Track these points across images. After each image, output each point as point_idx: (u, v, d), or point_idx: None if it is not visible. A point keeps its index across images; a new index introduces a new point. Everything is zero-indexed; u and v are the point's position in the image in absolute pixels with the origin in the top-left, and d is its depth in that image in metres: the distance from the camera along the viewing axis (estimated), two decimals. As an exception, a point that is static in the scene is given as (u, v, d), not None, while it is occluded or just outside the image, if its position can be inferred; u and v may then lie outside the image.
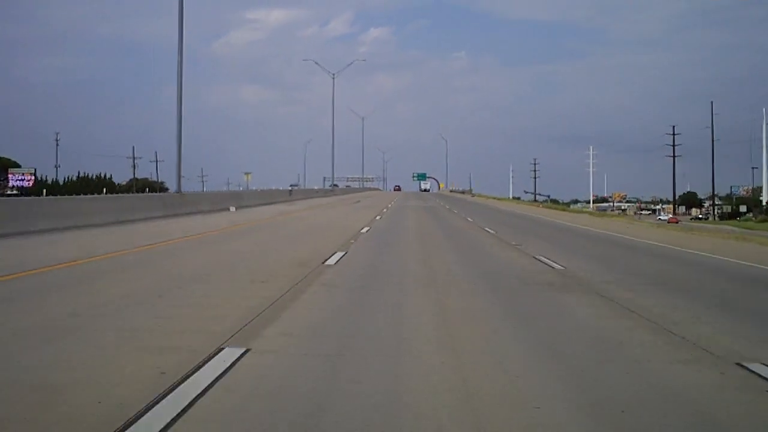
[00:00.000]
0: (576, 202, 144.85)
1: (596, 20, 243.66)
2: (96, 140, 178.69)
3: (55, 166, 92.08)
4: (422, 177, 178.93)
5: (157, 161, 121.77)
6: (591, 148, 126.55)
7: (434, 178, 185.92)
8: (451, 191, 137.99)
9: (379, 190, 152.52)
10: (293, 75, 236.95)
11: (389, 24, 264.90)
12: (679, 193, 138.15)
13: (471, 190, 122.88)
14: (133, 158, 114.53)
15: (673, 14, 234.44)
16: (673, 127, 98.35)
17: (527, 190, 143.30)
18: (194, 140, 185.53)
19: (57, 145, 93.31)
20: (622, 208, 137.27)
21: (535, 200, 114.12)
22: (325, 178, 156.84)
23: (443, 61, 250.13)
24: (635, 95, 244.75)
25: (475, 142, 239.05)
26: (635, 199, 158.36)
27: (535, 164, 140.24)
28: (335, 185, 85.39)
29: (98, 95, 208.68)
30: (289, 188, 53.08)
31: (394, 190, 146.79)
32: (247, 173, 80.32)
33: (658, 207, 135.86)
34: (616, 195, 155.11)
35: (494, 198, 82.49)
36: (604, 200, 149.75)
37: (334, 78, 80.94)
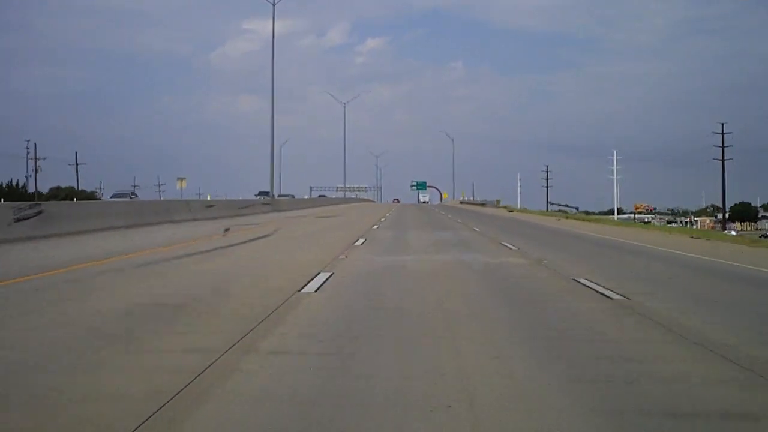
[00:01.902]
0: (587, 213, 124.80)
1: (593, 30, 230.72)
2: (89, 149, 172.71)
3: (26, 176, 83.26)
4: (422, 186, 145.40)
5: (77, 164, 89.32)
6: (615, 152, 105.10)
7: (435, 187, 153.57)
8: (461, 202, 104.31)
9: (372, 201, 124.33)
10: (290, 85, 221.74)
11: (386, 34, 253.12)
12: (695, 205, 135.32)
13: (498, 201, 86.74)
14: (35, 159, 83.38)
15: (670, 23, 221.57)
16: (723, 125, 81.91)
17: (553, 201, 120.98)
18: (185, 150, 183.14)
19: (27, 152, 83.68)
20: (646, 220, 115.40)
21: (547, 210, 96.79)
22: (311, 187, 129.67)
23: (440, 71, 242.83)
24: (634, 104, 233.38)
25: (474, 151, 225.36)
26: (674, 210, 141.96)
27: (547, 171, 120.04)
28: (265, 194, 49.79)
29: (89, 105, 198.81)
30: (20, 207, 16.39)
31: (393, 202, 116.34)
32: (180, 178, 54.22)
33: (687, 219, 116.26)
34: (637, 206, 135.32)
35: (575, 216, 46.03)
36: (620, 212, 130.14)
37: (273, 4, 46.77)
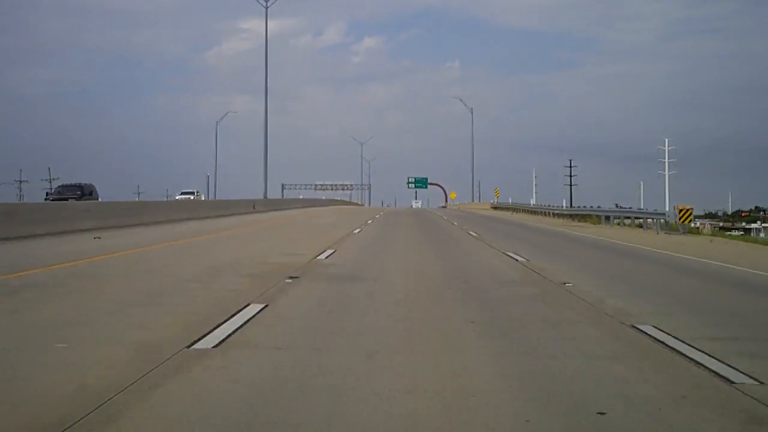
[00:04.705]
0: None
1: (590, 30, 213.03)
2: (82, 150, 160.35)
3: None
4: (422, 183, 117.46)
5: None
6: (666, 142, 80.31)
7: (439, 185, 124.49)
8: (494, 208, 74.86)
9: (357, 204, 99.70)
10: (285, 85, 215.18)
11: (382, 33, 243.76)
12: (721, 207, 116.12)
13: (690, 211, 35.26)
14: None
15: (666, 24, 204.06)
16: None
17: (620, 204, 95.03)
18: (180, 150, 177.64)
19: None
20: (695, 225, 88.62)
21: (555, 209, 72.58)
22: (284, 185, 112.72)
23: (436, 71, 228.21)
24: (631, 105, 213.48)
25: (476, 151, 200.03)
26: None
27: (570, 167, 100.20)
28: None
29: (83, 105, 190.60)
30: None
31: (386, 207, 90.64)
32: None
33: (756, 225, 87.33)
34: (678, 207, 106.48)
35: None
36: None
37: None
